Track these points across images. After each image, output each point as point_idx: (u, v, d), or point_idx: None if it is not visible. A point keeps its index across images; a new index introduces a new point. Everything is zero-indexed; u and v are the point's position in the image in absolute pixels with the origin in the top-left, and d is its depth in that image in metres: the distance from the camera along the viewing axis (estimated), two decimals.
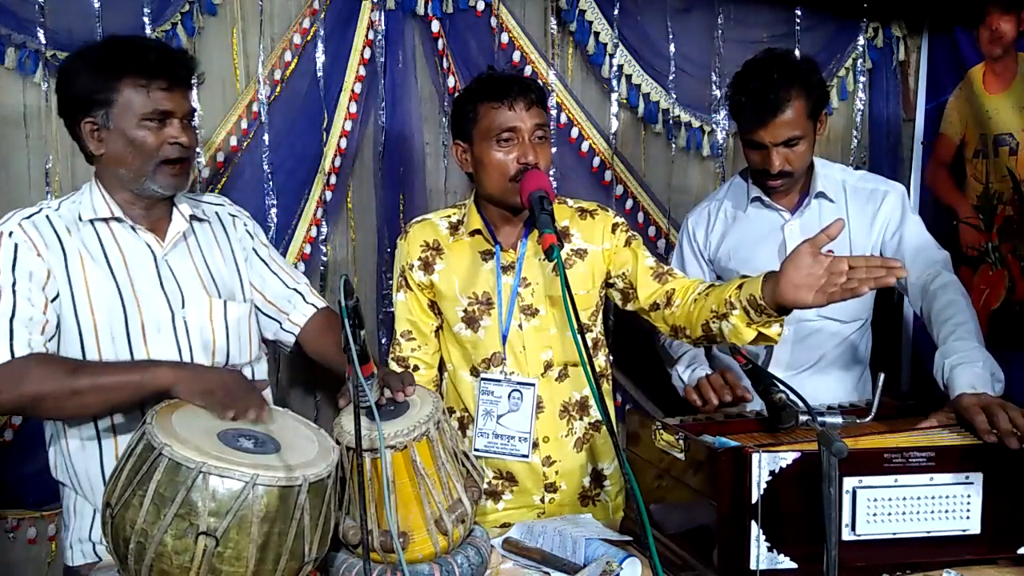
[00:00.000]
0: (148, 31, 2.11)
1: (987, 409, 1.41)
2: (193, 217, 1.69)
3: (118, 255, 1.59)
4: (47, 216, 1.58)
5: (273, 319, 1.80)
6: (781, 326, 1.55)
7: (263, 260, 1.80)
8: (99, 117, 1.53)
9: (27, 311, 1.48)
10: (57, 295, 1.53)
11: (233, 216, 1.80)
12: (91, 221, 1.59)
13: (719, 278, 2.08)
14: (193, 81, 1.63)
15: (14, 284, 1.49)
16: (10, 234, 1.53)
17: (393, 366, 1.85)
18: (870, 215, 1.94)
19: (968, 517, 1.35)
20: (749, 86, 1.82)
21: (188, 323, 1.62)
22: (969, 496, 1.34)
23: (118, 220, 1.60)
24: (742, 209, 2.04)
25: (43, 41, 2.04)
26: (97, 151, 1.56)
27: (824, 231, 1.45)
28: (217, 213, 1.77)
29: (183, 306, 1.62)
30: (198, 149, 2.17)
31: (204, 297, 1.65)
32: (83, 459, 1.58)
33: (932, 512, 1.34)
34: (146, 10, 2.11)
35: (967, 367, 1.55)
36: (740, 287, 1.55)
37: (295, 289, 1.81)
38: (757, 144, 1.85)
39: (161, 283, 1.61)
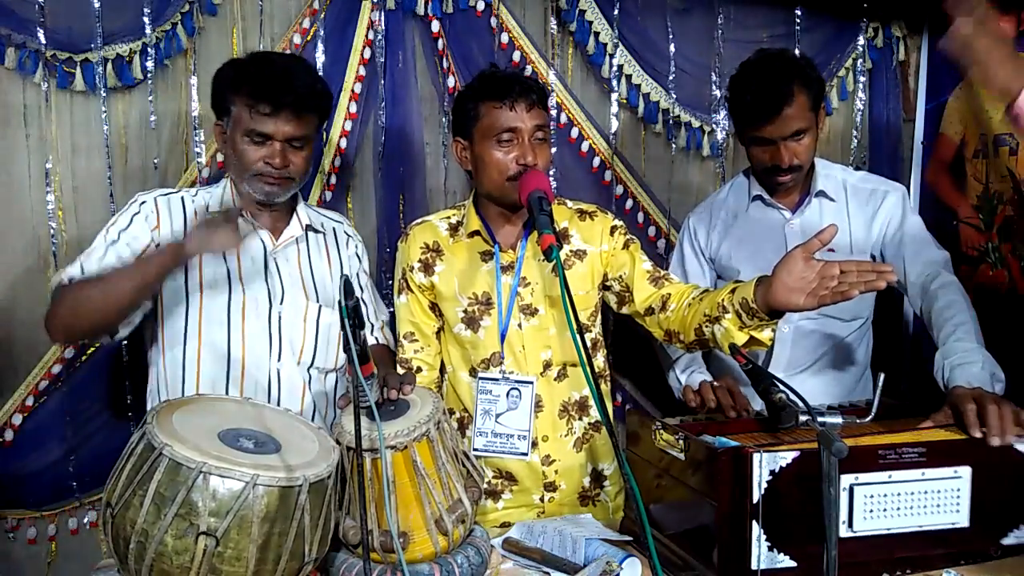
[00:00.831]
0: (148, 31, 2.11)
1: (978, 401, 1.41)
2: (309, 227, 1.83)
3: None
4: (182, 198, 1.77)
5: None
6: (772, 331, 1.56)
7: (360, 286, 1.90)
8: (224, 123, 1.71)
9: (108, 260, 1.63)
10: None
11: (348, 236, 1.94)
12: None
13: (720, 277, 2.08)
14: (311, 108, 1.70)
15: (113, 243, 1.66)
16: (142, 203, 1.72)
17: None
18: (870, 215, 1.94)
19: (958, 510, 1.36)
20: (751, 85, 1.82)
21: (283, 318, 1.74)
22: (958, 490, 1.36)
23: (240, 214, 1.71)
24: (743, 208, 2.04)
25: (43, 41, 2.04)
26: (222, 151, 1.76)
27: (817, 236, 1.47)
28: (334, 229, 1.91)
29: (281, 301, 1.74)
30: (198, 150, 2.18)
31: (302, 298, 1.77)
32: (176, 375, 1.71)
33: (924, 506, 1.35)
34: (146, 10, 2.11)
35: (967, 367, 1.56)
36: (733, 291, 1.56)
37: (370, 322, 1.91)
38: (764, 140, 1.85)
39: (266, 276, 1.75)
